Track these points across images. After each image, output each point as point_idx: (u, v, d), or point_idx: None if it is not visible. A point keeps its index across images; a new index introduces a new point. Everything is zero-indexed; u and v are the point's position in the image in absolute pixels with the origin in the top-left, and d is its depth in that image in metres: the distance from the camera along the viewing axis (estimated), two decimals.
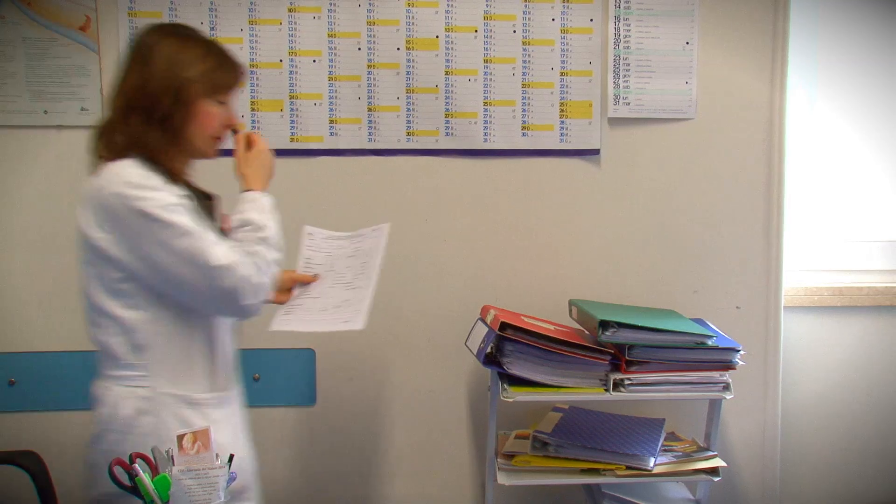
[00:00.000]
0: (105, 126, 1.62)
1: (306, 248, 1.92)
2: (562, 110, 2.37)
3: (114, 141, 1.59)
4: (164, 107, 1.57)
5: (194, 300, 1.57)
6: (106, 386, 1.61)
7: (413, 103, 2.36)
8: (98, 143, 1.62)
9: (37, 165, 2.33)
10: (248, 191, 1.68)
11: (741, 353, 2.07)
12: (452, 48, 2.35)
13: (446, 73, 2.35)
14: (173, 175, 1.59)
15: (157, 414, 1.58)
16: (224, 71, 1.63)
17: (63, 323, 2.35)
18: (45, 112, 2.31)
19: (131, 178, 1.53)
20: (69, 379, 2.35)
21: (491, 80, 2.36)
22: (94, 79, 2.31)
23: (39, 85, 2.30)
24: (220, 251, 1.53)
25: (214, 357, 1.66)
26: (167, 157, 1.59)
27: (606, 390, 2.04)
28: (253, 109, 2.34)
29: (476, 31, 2.35)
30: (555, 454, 2.08)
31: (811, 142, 2.58)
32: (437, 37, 2.35)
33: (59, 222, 2.34)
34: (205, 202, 1.65)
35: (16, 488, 2.14)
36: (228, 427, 1.68)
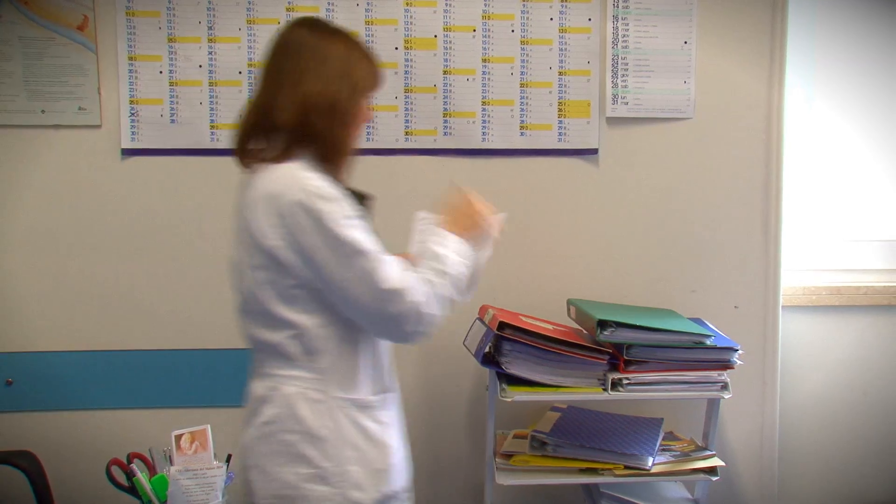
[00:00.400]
0: (266, 125, 1.58)
1: (420, 232, 1.92)
2: (560, 110, 2.37)
3: (279, 140, 1.56)
4: (343, 106, 1.57)
5: (359, 317, 1.54)
6: (273, 386, 1.57)
7: (411, 103, 2.36)
8: (256, 142, 1.59)
9: (34, 165, 2.33)
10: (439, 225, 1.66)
11: (739, 352, 2.07)
12: (451, 48, 2.35)
13: (444, 72, 2.35)
14: (337, 176, 1.59)
15: (333, 418, 1.55)
16: (379, 71, 1.66)
17: (60, 323, 2.35)
18: (43, 111, 2.31)
19: (311, 186, 1.50)
20: (66, 379, 2.35)
21: (489, 79, 2.36)
22: (92, 78, 2.31)
23: (37, 84, 2.30)
24: (393, 273, 1.51)
25: (377, 359, 1.64)
26: (341, 157, 1.60)
27: (605, 390, 2.04)
28: None
29: (474, 30, 2.35)
30: (553, 454, 2.08)
31: (809, 141, 2.58)
32: (436, 36, 2.34)
33: (56, 222, 2.34)
34: (362, 201, 1.63)
35: (12, 489, 2.14)
36: (395, 428, 1.66)
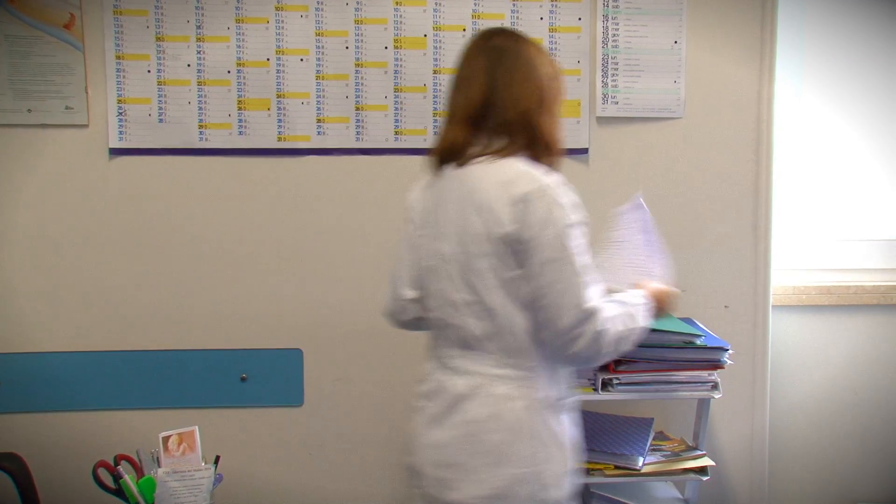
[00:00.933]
0: (484, 126, 1.62)
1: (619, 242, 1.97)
2: None
3: (499, 140, 1.61)
4: (557, 107, 1.66)
5: (541, 318, 1.55)
6: (477, 384, 1.58)
7: (401, 102, 2.35)
8: (472, 142, 1.62)
9: (20, 164, 2.31)
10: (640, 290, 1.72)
11: (729, 352, 2.07)
12: (440, 47, 2.34)
13: (434, 72, 2.35)
14: None
15: (538, 418, 1.57)
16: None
17: (47, 323, 2.34)
18: (30, 111, 2.29)
19: (547, 182, 1.55)
20: (53, 380, 2.33)
21: None
22: (79, 77, 2.29)
23: (23, 83, 2.28)
24: (593, 294, 1.54)
25: None
26: (556, 156, 1.65)
27: (595, 390, 2.04)
28: (240, 108, 2.33)
29: (464, 30, 2.34)
30: None
31: (799, 140, 2.58)
32: (425, 36, 2.34)
33: (42, 221, 2.32)
34: None
35: None
36: (575, 425, 1.67)
